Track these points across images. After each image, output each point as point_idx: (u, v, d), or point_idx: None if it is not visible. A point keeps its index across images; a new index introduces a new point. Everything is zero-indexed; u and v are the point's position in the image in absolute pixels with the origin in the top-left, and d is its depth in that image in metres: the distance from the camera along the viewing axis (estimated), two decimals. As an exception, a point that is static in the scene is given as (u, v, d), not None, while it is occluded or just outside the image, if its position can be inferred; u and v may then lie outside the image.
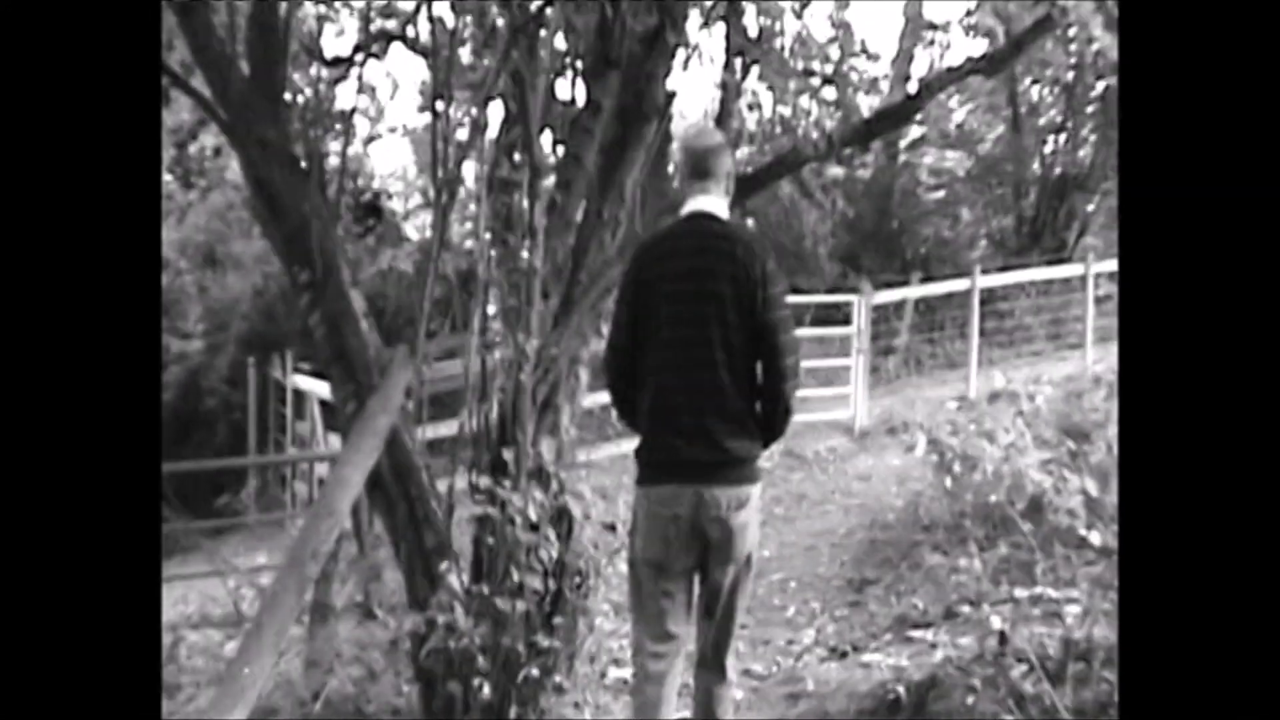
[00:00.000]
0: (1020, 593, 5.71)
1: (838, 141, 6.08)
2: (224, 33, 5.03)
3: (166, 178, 19.93)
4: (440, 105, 5.35)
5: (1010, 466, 6.14)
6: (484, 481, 5.04)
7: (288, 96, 5.32)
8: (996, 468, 6.25)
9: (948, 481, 6.93)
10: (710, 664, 4.46)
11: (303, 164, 5.10)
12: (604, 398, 11.15)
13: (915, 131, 20.37)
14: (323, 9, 13.41)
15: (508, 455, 5.13)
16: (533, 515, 5.01)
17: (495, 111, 5.89)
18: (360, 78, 16.10)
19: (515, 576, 4.96)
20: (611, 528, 5.45)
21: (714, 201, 4.35)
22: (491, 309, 5.45)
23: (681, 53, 6.01)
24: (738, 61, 9.32)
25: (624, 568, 4.82)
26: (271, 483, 15.50)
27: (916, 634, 6.10)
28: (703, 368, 4.17)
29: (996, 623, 5.26)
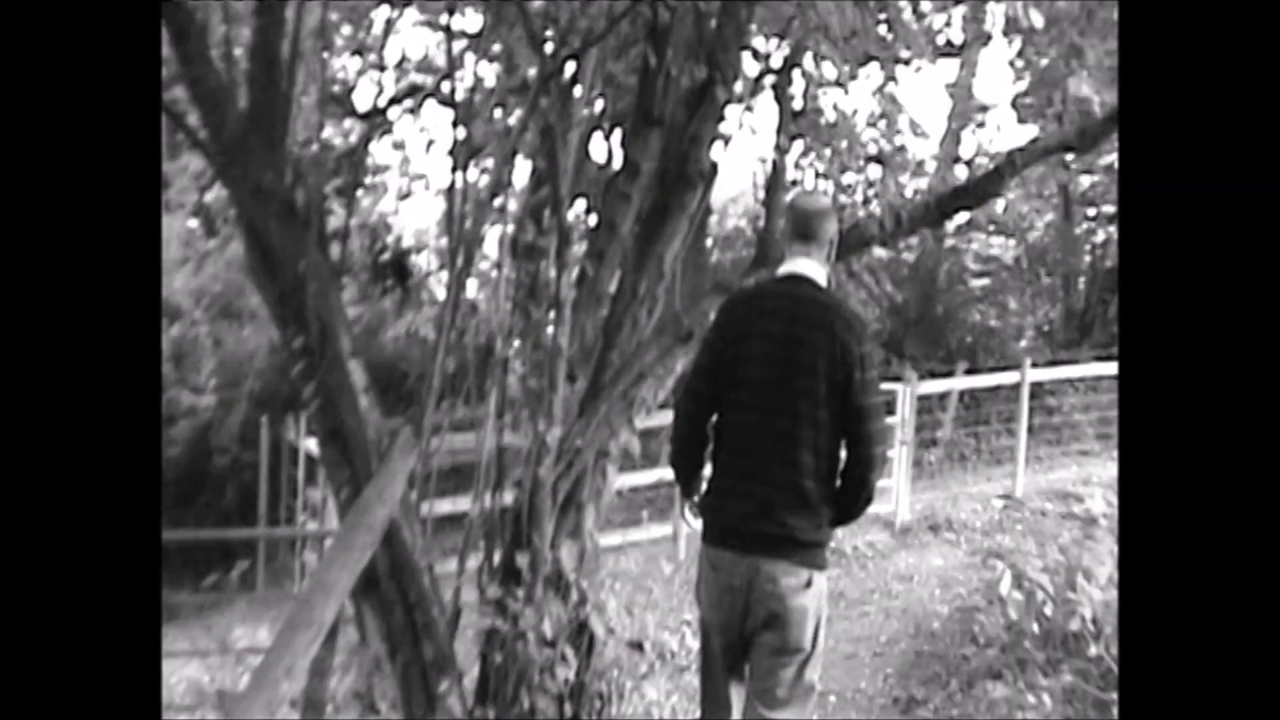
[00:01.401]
0: (1098, 737, 5.04)
1: (907, 221, 5.48)
2: (221, 64, 4.46)
3: (192, 223, 19.55)
4: (460, 160, 4.74)
5: (1113, 614, 5.39)
6: (493, 590, 4.44)
7: (294, 139, 4.73)
8: (1096, 614, 5.50)
9: (1035, 627, 6.19)
10: None
11: (302, 216, 4.48)
12: (634, 479, 10.58)
13: (961, 215, 19.89)
14: (359, 61, 13.06)
15: (521, 560, 4.53)
16: (548, 630, 4.41)
17: (524, 171, 5.36)
18: (391, 132, 15.73)
19: (526, 700, 4.40)
20: (638, 646, 4.83)
21: (814, 266, 4.11)
22: (511, 388, 4.87)
23: (730, 114, 5.43)
24: (783, 136, 8.84)
25: (651, 693, 4.28)
26: (282, 551, 14.90)
27: (980, 782, 5.43)
28: (784, 441, 3.92)
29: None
